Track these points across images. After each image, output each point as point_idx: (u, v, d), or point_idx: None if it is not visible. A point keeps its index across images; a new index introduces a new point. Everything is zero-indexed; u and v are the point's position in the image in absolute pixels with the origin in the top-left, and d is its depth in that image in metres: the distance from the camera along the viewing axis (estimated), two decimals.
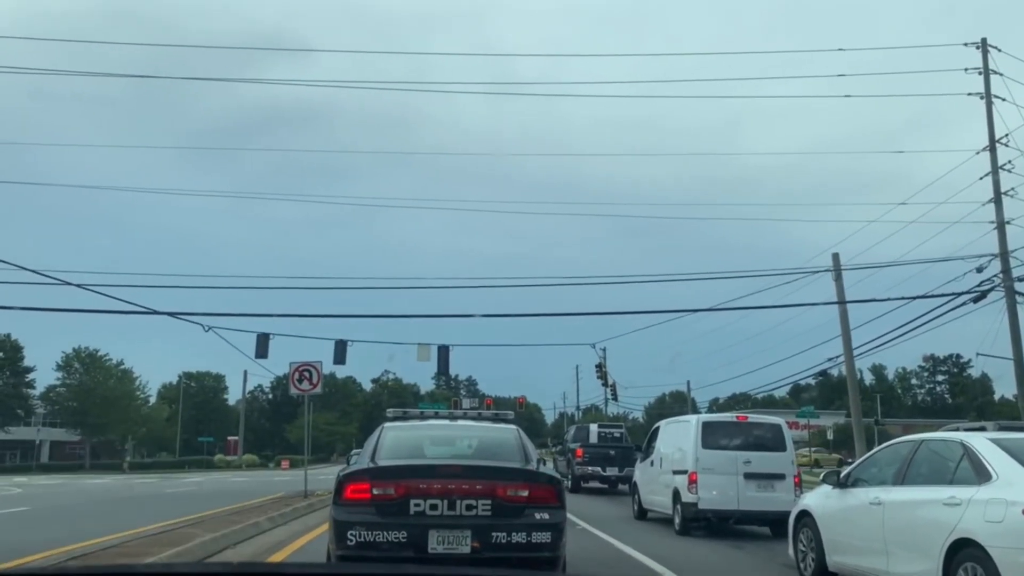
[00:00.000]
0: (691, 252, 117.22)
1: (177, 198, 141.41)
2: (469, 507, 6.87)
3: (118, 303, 20.79)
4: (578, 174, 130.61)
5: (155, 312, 22.14)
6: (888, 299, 28.74)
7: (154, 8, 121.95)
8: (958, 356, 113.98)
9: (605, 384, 56.33)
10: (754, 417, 15.20)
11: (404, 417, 9.05)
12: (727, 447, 13.96)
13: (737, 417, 14.63)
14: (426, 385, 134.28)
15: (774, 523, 13.98)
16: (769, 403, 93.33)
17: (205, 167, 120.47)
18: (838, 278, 35.12)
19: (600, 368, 53.06)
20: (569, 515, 15.62)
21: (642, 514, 16.89)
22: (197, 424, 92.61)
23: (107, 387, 74.35)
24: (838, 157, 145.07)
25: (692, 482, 13.68)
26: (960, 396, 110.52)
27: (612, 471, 25.53)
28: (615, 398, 61.08)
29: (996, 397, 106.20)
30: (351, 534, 6.78)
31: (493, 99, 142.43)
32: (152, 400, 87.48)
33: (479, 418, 9.21)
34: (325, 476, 43.44)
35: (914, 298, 27.94)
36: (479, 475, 7.14)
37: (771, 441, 14.18)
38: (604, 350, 50.71)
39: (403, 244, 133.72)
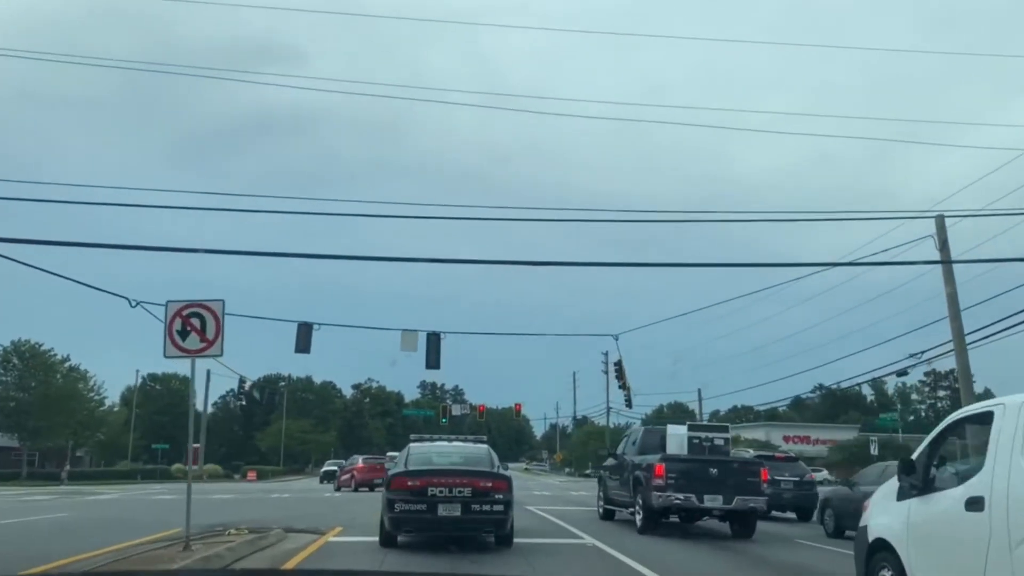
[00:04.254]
0: (698, 255, 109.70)
1: (172, 211, 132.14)
2: (459, 491, 12.50)
3: None
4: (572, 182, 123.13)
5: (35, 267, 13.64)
6: None
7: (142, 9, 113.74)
8: None
9: (622, 386, 47.89)
10: None
11: (421, 440, 15.47)
12: None
13: None
14: (411, 393, 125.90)
15: None
16: (772, 416, 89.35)
17: (195, 172, 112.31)
18: (943, 247, 27.14)
19: (619, 367, 44.83)
20: None
21: None
22: (161, 430, 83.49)
23: (51, 386, 65.14)
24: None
25: None
26: None
27: (715, 502, 16.17)
28: (629, 404, 52.52)
29: None
30: (396, 505, 12.47)
31: (485, 108, 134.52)
32: (108, 402, 78.32)
33: (465, 440, 15.63)
34: (289, 494, 34.32)
35: None
36: (465, 475, 12.88)
37: None
38: (614, 358, 42.64)
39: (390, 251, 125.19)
